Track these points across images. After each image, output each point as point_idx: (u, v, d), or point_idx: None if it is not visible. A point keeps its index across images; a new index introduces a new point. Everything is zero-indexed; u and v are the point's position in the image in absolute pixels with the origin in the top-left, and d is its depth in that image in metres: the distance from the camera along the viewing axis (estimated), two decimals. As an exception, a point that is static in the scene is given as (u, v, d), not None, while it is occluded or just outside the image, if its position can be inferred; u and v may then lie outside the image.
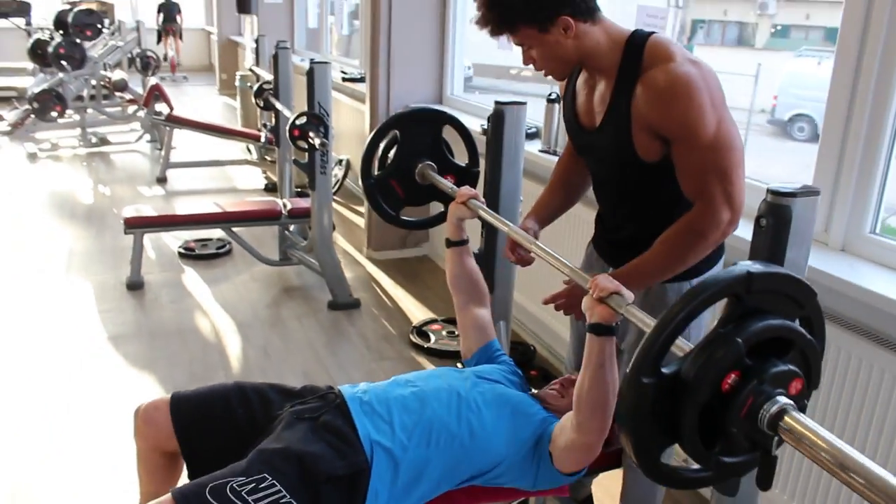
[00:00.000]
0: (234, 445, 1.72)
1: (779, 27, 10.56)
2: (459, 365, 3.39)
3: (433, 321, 3.92)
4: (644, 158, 1.71)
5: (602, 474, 2.13)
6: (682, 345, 1.21)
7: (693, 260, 1.73)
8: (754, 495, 1.48)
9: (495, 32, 1.74)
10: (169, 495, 1.48)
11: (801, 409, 1.07)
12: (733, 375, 1.06)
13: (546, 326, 3.57)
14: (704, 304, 1.08)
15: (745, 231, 2.27)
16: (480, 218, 2.06)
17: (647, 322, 1.39)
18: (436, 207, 2.39)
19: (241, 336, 3.74)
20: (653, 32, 1.71)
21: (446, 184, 2.24)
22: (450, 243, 2.10)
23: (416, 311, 4.13)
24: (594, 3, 1.70)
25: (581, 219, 2.78)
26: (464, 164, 2.40)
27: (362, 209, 5.68)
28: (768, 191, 1.34)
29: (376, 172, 2.35)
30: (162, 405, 1.79)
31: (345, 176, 6.29)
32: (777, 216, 1.32)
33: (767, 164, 8.02)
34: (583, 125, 1.86)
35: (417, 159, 2.33)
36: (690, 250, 1.71)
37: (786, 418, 1.04)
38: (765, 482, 1.10)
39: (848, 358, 2.01)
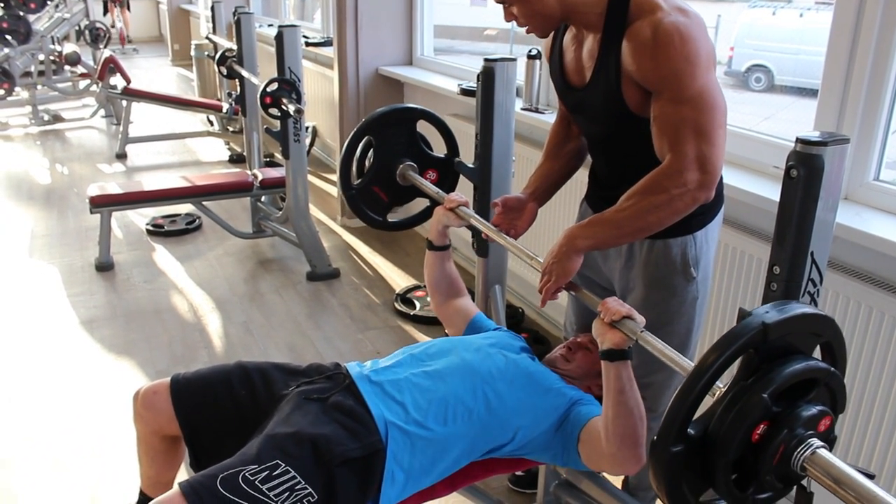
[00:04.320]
0: (238, 428, 1.65)
1: (732, -23, 10.56)
2: (448, 332, 3.35)
3: (416, 287, 3.85)
4: (637, 113, 1.63)
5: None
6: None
7: (656, 221, 1.58)
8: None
9: None
10: (176, 489, 1.39)
11: (831, 441, 1.11)
12: (763, 426, 1.07)
13: (534, 289, 3.52)
14: (721, 369, 1.07)
15: (743, 182, 2.28)
16: (471, 228, 2.01)
17: (662, 350, 1.36)
18: (422, 201, 2.32)
19: (220, 313, 3.63)
20: None
21: (431, 187, 2.18)
22: (432, 247, 2.04)
23: (398, 279, 4.05)
24: None
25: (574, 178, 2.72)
26: (443, 156, 2.33)
27: (333, 177, 5.57)
28: (797, 139, 1.28)
29: (356, 182, 2.26)
30: (161, 389, 1.70)
31: (312, 144, 6.14)
32: (809, 166, 1.26)
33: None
34: (571, 83, 1.78)
35: (397, 161, 2.25)
36: (651, 210, 1.56)
37: (818, 460, 1.05)
38: None
39: (858, 307, 1.99)
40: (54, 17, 8.37)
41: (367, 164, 2.26)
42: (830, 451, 1.07)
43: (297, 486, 1.42)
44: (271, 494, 1.39)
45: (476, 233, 2.28)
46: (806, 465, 1.06)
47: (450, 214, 1.98)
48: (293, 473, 1.43)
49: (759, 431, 1.07)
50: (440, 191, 2.14)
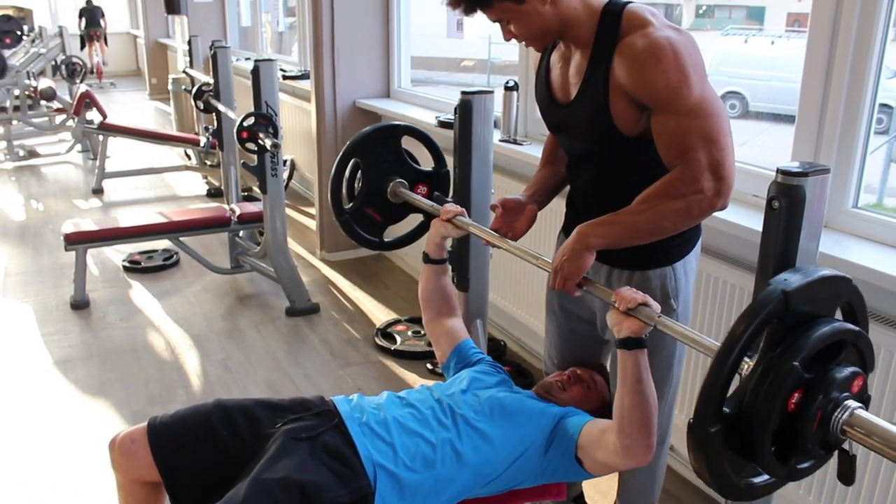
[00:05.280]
0: (221, 470, 1.61)
1: (704, 7, 10.81)
2: (429, 366, 3.32)
3: (397, 322, 3.81)
4: (622, 131, 1.61)
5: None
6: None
7: (671, 226, 1.57)
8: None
9: (469, 10, 1.63)
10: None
11: (866, 401, 1.10)
12: (797, 394, 1.07)
13: (516, 321, 3.50)
14: (749, 342, 1.07)
15: (724, 212, 2.26)
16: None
17: (682, 332, 1.35)
18: (415, 218, 2.32)
19: (198, 351, 3.57)
20: (629, 1, 1.61)
21: (424, 201, 2.18)
22: (428, 259, 2.04)
23: (378, 313, 4.01)
24: None
25: (549, 208, 2.70)
26: (431, 169, 2.34)
27: (312, 210, 5.53)
28: (778, 170, 1.28)
29: (348, 206, 2.26)
30: (139, 436, 1.66)
31: (290, 177, 6.12)
32: (790, 197, 1.25)
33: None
34: (557, 100, 1.76)
35: (386, 179, 2.25)
36: (668, 214, 1.54)
37: (857, 420, 1.05)
38: (848, 478, 1.11)
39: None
40: (30, 52, 8.34)
41: (356, 186, 2.26)
42: (867, 410, 1.07)
43: None
44: None
45: (457, 267, 2.26)
46: (846, 428, 1.06)
47: (447, 225, 1.96)
48: None
49: (794, 400, 1.06)
50: (434, 203, 2.13)
